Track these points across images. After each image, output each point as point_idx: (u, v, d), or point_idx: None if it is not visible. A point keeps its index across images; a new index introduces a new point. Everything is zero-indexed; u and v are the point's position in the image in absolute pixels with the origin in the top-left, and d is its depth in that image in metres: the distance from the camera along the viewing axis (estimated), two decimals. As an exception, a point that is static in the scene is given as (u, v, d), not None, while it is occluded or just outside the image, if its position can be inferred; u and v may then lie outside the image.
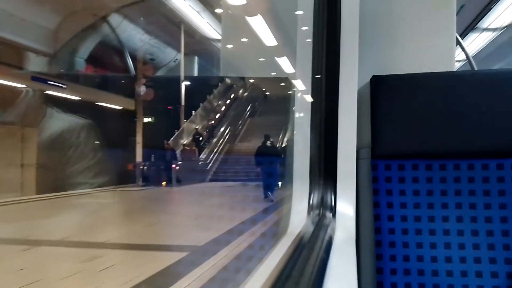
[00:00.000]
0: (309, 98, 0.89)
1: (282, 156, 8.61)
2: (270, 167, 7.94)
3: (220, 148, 12.38)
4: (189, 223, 4.88)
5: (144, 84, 11.87)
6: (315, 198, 0.78)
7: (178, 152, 11.31)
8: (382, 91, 0.86)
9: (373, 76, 0.87)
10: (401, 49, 0.93)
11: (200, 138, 12.52)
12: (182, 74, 13.00)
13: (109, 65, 11.87)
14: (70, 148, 1.13)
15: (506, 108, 0.82)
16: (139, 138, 11.55)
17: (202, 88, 14.91)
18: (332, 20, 0.82)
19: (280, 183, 7.88)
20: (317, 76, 0.87)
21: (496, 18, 8.42)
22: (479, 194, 0.80)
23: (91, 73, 10.95)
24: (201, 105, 14.02)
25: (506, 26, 8.85)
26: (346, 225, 0.73)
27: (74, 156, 1.14)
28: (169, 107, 13.24)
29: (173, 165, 10.66)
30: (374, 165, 0.84)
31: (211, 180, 11.05)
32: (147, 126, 11.92)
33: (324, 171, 0.79)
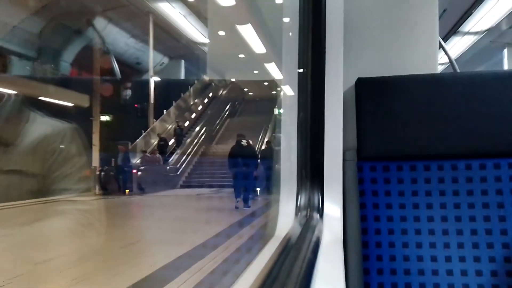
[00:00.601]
0: (294, 100, 0.95)
1: (263, 158, 7.99)
2: (245, 171, 7.31)
3: (194, 150, 12.04)
4: (116, 252, 3.82)
5: (102, 78, 11.49)
6: (303, 200, 0.83)
7: (137, 159, 10.86)
8: (367, 93, 0.93)
9: (358, 78, 0.94)
10: (385, 52, 1.01)
11: (169, 143, 12.18)
12: (151, 68, 12.76)
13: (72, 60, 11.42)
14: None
15: (488, 110, 0.89)
16: (95, 140, 11.15)
17: (177, 85, 14.76)
18: (317, 24, 0.88)
19: (258, 189, 7.48)
20: (302, 79, 0.93)
21: (477, 22, 8.98)
22: (463, 194, 0.87)
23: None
24: (174, 103, 13.70)
25: (486, 30, 9.46)
26: (333, 226, 0.78)
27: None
28: (136, 105, 12.85)
29: (134, 170, 10.32)
30: (360, 166, 0.91)
31: (182, 186, 10.58)
32: (106, 126, 11.51)
33: (311, 173, 0.85)
